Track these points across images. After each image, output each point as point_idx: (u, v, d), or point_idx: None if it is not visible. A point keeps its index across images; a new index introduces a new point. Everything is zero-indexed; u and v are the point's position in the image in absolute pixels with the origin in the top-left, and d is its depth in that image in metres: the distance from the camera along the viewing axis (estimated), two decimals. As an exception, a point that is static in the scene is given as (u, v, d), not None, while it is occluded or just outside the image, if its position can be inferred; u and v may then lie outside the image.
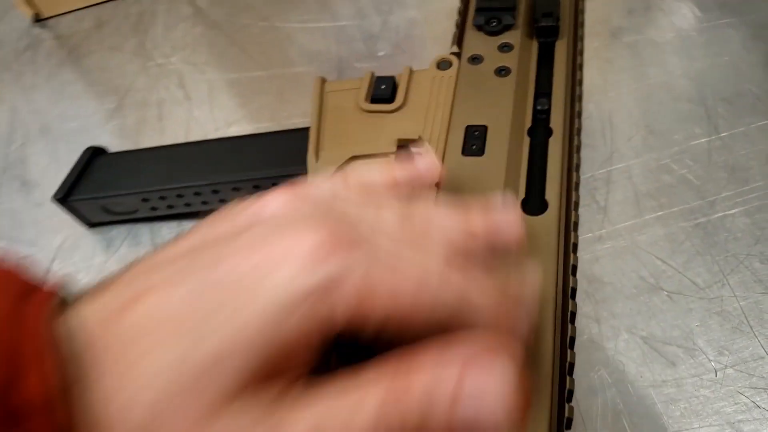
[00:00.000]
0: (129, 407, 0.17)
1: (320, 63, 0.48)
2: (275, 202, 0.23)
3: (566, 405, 0.26)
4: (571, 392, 0.27)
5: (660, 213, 0.38)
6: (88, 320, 0.18)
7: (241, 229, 0.20)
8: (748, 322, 0.34)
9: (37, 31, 0.55)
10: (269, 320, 0.18)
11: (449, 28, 0.48)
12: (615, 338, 0.34)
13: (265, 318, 0.18)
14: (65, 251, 0.41)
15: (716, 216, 0.38)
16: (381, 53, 0.48)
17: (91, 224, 0.42)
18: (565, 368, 0.28)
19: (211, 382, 0.17)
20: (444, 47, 0.41)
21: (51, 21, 0.56)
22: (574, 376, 0.27)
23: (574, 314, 0.29)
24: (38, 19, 0.56)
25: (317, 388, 0.18)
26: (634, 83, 0.44)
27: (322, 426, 0.17)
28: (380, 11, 0.51)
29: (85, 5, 0.55)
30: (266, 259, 0.19)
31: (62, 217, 0.43)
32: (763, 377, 0.32)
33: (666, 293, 0.35)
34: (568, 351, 0.28)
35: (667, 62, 0.45)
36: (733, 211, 0.38)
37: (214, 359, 0.17)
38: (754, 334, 0.33)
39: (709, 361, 0.33)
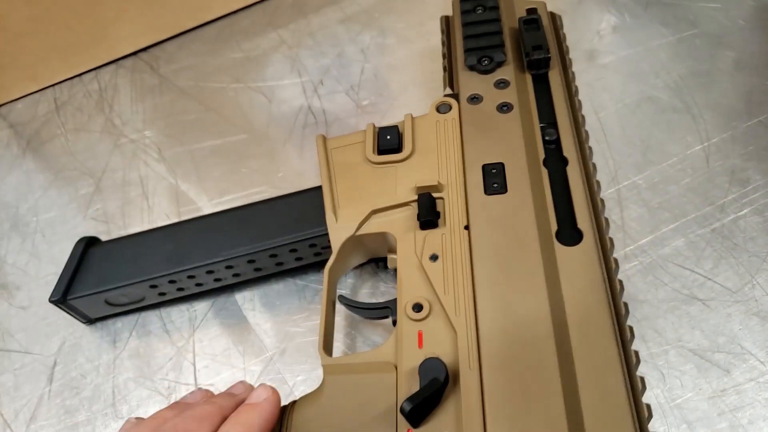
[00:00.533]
0: None
1: (305, 117, 0.47)
2: None
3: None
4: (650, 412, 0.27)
5: (676, 224, 0.39)
6: None
7: None
8: (786, 319, 0.34)
9: (-10, 122, 0.52)
10: None
11: (428, 71, 0.48)
12: (665, 354, 0.34)
13: None
14: (66, 354, 0.38)
15: (728, 219, 0.39)
16: (365, 102, 0.48)
17: (92, 320, 0.39)
18: (643, 420, 0.27)
19: None
20: (426, 89, 0.41)
21: (2, 109, 0.52)
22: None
23: (632, 330, 0.29)
24: (-11, 109, 0.52)
25: None
26: (619, 101, 0.45)
27: None
28: (357, 60, 0.50)
29: (39, 88, 0.52)
30: None
31: (55, 317, 0.40)
32: (816, 371, 0.33)
33: (701, 302, 0.36)
34: (641, 404, 0.28)
35: (646, 77, 0.46)
36: (743, 212, 0.39)
37: None
38: (796, 330, 0.34)
39: (761, 363, 0.33)
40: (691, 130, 0.43)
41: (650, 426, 0.31)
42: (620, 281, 0.31)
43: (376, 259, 0.39)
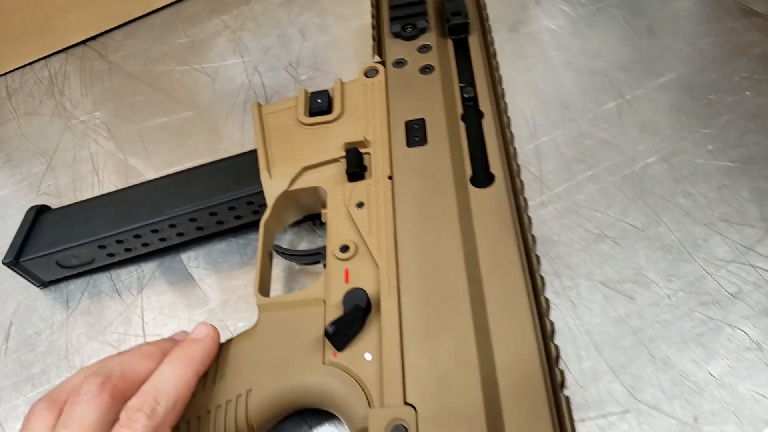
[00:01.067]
0: None
1: (247, 94, 0.50)
2: None
3: (555, 368, 0.29)
4: (558, 353, 0.29)
5: (590, 173, 0.42)
6: None
7: None
8: (686, 249, 0.38)
9: (-57, 110, 0.54)
10: None
11: (362, 46, 0.51)
12: (576, 287, 0.37)
13: None
14: (21, 315, 0.40)
15: (638, 166, 0.42)
16: (303, 77, 0.50)
17: (45, 284, 0.41)
18: (546, 335, 0.30)
19: None
20: (362, 63, 0.43)
21: (-44, 98, 0.54)
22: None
23: (542, 279, 0.32)
24: (-58, 98, 0.54)
25: None
26: (540, 67, 0.48)
27: None
28: (295, 40, 0.53)
29: (-8, 77, 0.54)
30: None
31: (10, 283, 0.42)
32: (709, 293, 0.36)
33: (611, 239, 0.39)
34: (546, 320, 0.30)
35: (566, 45, 0.49)
36: (650, 160, 0.42)
37: None
38: (693, 259, 0.37)
39: (662, 289, 0.36)
40: (606, 89, 0.46)
41: (562, 349, 0.34)
42: (529, 217, 0.34)
43: (312, 217, 0.42)
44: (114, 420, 0.29)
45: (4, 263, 0.38)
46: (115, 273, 0.41)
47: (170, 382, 0.30)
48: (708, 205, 0.39)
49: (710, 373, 0.33)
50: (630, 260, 0.38)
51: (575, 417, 0.32)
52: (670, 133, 0.43)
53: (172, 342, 0.33)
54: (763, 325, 0.34)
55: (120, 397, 0.30)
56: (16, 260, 0.38)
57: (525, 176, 0.42)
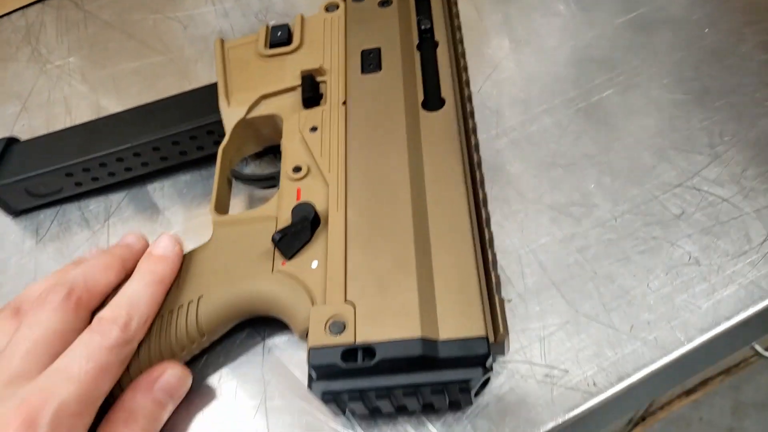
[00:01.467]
0: None
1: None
2: None
3: (492, 272, 0.30)
4: (494, 259, 0.30)
5: (545, 106, 0.43)
6: None
7: None
8: (635, 175, 0.39)
9: None
10: None
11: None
12: (525, 211, 0.38)
13: None
14: (-8, 243, 0.42)
15: (594, 99, 0.43)
16: (272, 22, 0.51)
17: (16, 212, 0.43)
18: (485, 242, 0.31)
19: None
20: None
21: (-65, 46, 0.56)
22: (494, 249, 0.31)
23: (485, 195, 0.33)
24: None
25: None
26: (502, 7, 0.49)
27: None
28: (266, -11, 0.54)
29: (-29, 26, 0.55)
30: None
31: (-18, 213, 0.43)
32: (654, 215, 0.37)
33: (561, 167, 0.40)
34: (486, 230, 0.31)
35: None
36: (606, 93, 0.43)
37: None
38: (641, 183, 0.38)
39: (607, 212, 0.37)
40: (566, 27, 0.47)
41: (507, 267, 0.36)
42: (477, 139, 0.35)
43: (273, 150, 0.43)
44: (77, 330, 0.30)
45: (-27, 189, 0.40)
46: (83, 203, 0.42)
47: (143, 300, 0.31)
48: (659, 134, 0.40)
49: (648, 287, 0.34)
50: (579, 186, 0.39)
51: (517, 328, 0.34)
52: (627, 69, 0.44)
53: (127, 249, 0.34)
54: (703, 242, 0.35)
55: (84, 307, 0.31)
56: (-15, 187, 0.40)
57: (481, 110, 0.43)
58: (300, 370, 0.34)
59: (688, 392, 1.07)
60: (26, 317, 0.30)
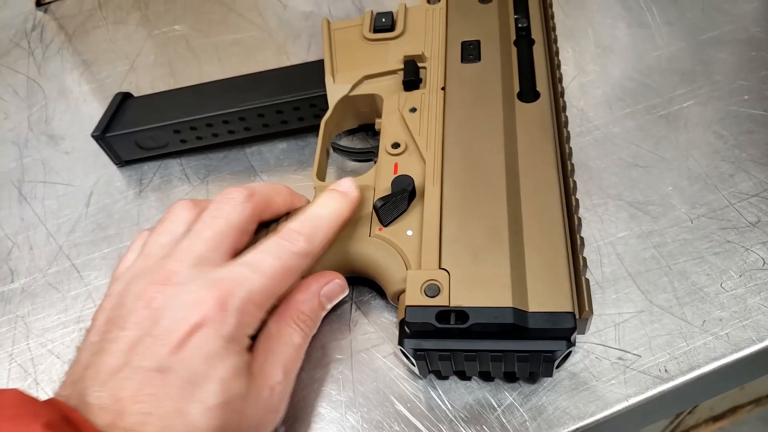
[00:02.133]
0: None
1: (314, 22, 0.54)
2: None
3: (579, 255, 0.32)
4: (582, 243, 0.32)
5: (628, 110, 0.45)
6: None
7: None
8: (712, 182, 0.40)
9: (41, 15, 0.59)
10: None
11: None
12: (605, 205, 0.40)
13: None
14: (101, 187, 0.45)
15: (674, 108, 0.44)
16: (367, 9, 0.54)
17: (123, 162, 0.46)
18: (573, 226, 0.33)
19: (232, 407, 0.28)
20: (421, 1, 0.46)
21: (53, 5, 0.59)
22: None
23: (575, 183, 0.35)
24: (40, 4, 0.59)
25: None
26: (590, 15, 0.51)
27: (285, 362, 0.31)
28: (363, -24, 0.57)
29: (85, -11, 0.59)
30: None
31: (93, 160, 0.46)
32: (729, 220, 0.38)
33: (642, 168, 0.42)
34: (575, 216, 0.33)
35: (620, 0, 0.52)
36: (687, 104, 0.45)
37: (222, 403, 0.27)
38: (718, 190, 0.40)
39: (684, 214, 0.39)
40: (653, 40, 0.49)
41: (587, 256, 0.38)
42: (568, 132, 0.37)
43: (366, 128, 0.45)
44: (249, 231, 0.33)
45: (92, 136, 0.43)
46: (185, 159, 0.46)
47: (324, 222, 0.33)
48: (737, 146, 0.42)
49: (722, 286, 0.36)
50: (657, 187, 0.40)
51: (594, 312, 0.36)
52: (708, 83, 0.46)
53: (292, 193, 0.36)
54: (777, 250, 0.37)
55: (257, 214, 0.33)
56: (102, 134, 0.43)
57: (569, 109, 0.45)
58: (382, 331, 0.36)
59: (716, 418, 1.07)
60: (209, 208, 0.32)
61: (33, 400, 0.25)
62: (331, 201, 0.34)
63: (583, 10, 0.52)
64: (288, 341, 0.32)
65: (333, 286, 0.34)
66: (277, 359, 0.31)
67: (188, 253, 0.30)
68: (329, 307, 0.34)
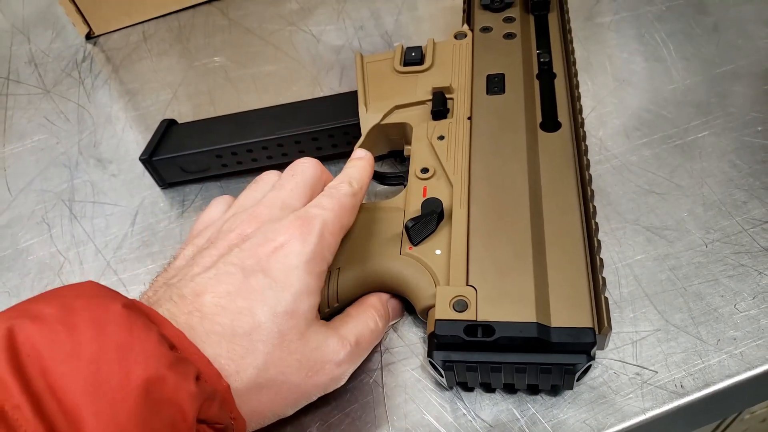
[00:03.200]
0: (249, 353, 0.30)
1: (345, 55, 0.57)
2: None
3: (599, 274, 0.34)
4: (601, 263, 0.34)
5: (645, 140, 0.47)
6: (183, 322, 0.30)
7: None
8: (726, 209, 0.42)
9: (90, 47, 0.63)
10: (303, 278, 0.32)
11: (450, 23, 0.58)
12: (623, 229, 0.42)
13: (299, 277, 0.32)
14: (146, 207, 0.48)
15: (690, 138, 0.47)
16: (395, 43, 0.57)
17: (167, 185, 0.49)
18: (593, 247, 0.35)
19: (295, 321, 0.31)
20: (447, 35, 0.50)
21: (101, 38, 0.64)
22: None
23: (594, 208, 0.37)
24: (90, 37, 0.63)
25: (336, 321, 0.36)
26: (610, 51, 0.54)
27: (360, 333, 0.35)
28: (392, 13, 0.60)
29: (132, 23, 0.63)
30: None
31: (138, 182, 0.49)
32: (743, 245, 0.40)
33: (658, 195, 0.44)
34: (594, 238, 0.36)
35: (636, 35, 0.55)
36: (702, 134, 0.47)
37: (289, 312, 0.31)
38: (732, 216, 0.42)
39: (699, 238, 0.41)
40: (667, 73, 0.51)
41: (605, 277, 0.40)
42: (588, 160, 0.40)
43: (396, 154, 0.48)
44: (321, 183, 0.38)
45: (140, 159, 0.46)
46: (224, 182, 0.48)
47: (356, 173, 0.38)
48: (751, 174, 0.44)
49: (736, 307, 0.38)
50: (673, 213, 0.42)
51: (613, 330, 0.37)
52: (722, 114, 0.48)
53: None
54: (790, 274, 0.39)
55: (323, 172, 0.39)
56: (149, 158, 0.46)
57: (588, 138, 0.47)
58: (411, 345, 0.38)
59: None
60: (287, 171, 0.38)
61: (109, 288, 0.29)
62: (355, 161, 0.40)
63: (602, 45, 0.55)
64: (363, 321, 0.36)
65: (396, 303, 0.39)
66: (352, 328, 0.35)
67: (275, 200, 0.36)
68: (392, 320, 0.39)
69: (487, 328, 0.33)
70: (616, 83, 0.51)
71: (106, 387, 0.24)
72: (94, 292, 0.28)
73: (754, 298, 0.38)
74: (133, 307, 0.27)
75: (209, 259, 0.32)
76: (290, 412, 0.33)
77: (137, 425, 0.24)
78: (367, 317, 0.36)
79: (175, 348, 0.27)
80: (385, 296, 0.38)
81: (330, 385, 0.34)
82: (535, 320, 0.32)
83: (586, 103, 0.50)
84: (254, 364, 0.30)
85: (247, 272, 0.31)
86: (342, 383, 0.34)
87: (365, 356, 0.36)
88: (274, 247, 0.32)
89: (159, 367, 0.25)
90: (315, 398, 0.34)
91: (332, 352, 0.33)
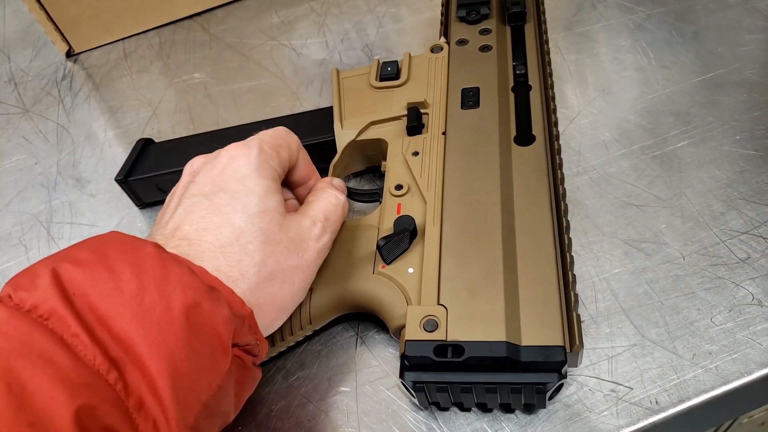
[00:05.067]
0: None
1: (326, 68, 0.57)
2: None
3: (571, 291, 0.34)
4: (574, 280, 0.34)
5: (624, 151, 0.47)
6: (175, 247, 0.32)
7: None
8: (704, 220, 0.42)
9: (71, 65, 0.63)
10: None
11: (430, 35, 0.57)
12: (600, 243, 0.42)
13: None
14: (123, 227, 0.48)
15: (669, 149, 0.46)
16: (376, 56, 0.57)
17: (144, 205, 0.49)
18: (566, 264, 0.35)
19: (270, 217, 0.34)
20: (427, 47, 0.49)
21: (82, 56, 0.64)
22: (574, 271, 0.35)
23: (568, 223, 0.37)
24: (70, 54, 0.64)
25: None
26: (589, 61, 0.54)
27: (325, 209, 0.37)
28: (374, 25, 0.60)
29: (112, 40, 0.63)
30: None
31: (116, 202, 0.49)
32: (720, 256, 0.40)
33: (636, 206, 0.43)
34: (567, 254, 0.35)
35: (615, 43, 0.54)
36: (681, 144, 0.46)
37: (261, 210, 0.34)
38: (710, 228, 0.41)
39: (676, 251, 0.41)
40: (647, 83, 0.51)
41: (582, 292, 0.39)
42: (562, 173, 0.40)
43: (373, 170, 0.48)
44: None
45: (115, 180, 0.46)
46: (202, 201, 0.48)
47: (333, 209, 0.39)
48: (729, 185, 0.43)
49: (712, 321, 0.37)
50: (651, 225, 0.42)
51: (588, 346, 0.37)
52: (701, 124, 0.47)
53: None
54: (767, 286, 0.38)
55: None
56: (125, 178, 0.46)
57: (565, 150, 0.47)
58: (386, 364, 0.38)
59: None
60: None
61: (132, 236, 0.31)
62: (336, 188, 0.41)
63: (582, 55, 0.54)
64: (324, 198, 0.38)
65: (340, 181, 0.42)
66: (317, 207, 0.37)
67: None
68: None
69: (457, 347, 0.32)
70: (596, 93, 0.51)
71: (151, 315, 0.27)
72: (120, 239, 0.30)
73: (730, 311, 0.37)
74: (160, 247, 0.30)
75: (173, 204, 0.35)
76: (303, 296, 0.36)
77: (184, 347, 0.27)
78: (326, 195, 0.38)
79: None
80: (330, 177, 0.42)
81: (319, 256, 0.36)
82: (504, 339, 0.32)
83: (564, 113, 0.49)
84: (253, 262, 0.32)
85: (209, 195, 0.34)
86: (327, 251, 0.37)
87: (338, 227, 0.38)
88: (221, 167, 0.35)
89: (195, 296, 0.28)
90: (315, 273, 0.36)
91: (308, 230, 0.36)
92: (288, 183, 0.42)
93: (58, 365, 0.24)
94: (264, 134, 0.38)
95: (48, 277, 0.27)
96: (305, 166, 0.41)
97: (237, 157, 0.36)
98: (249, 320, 0.31)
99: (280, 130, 0.40)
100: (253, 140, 0.37)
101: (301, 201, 0.42)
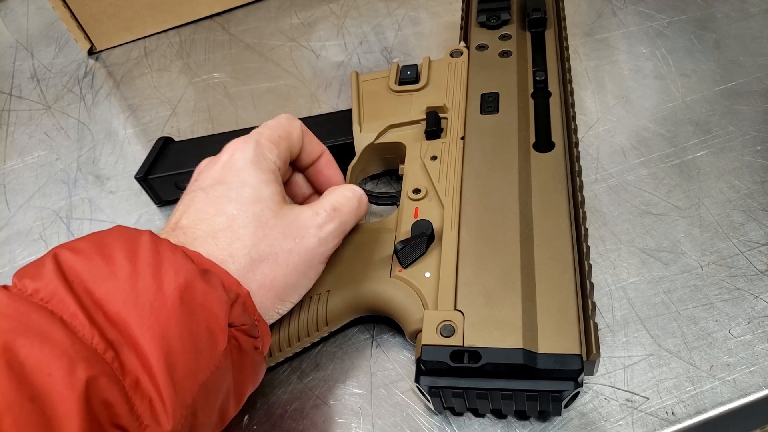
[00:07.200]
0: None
1: (345, 70, 0.57)
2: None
3: (588, 299, 0.33)
4: (591, 288, 0.34)
5: (642, 159, 0.46)
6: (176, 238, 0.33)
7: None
8: (723, 230, 0.42)
9: (92, 62, 0.63)
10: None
11: (450, 39, 0.58)
12: (617, 251, 0.42)
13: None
14: (142, 225, 0.48)
15: (688, 158, 0.46)
16: (395, 59, 0.57)
17: (162, 203, 0.49)
18: (584, 272, 0.35)
19: (264, 205, 0.34)
20: (446, 50, 0.49)
21: (103, 54, 0.64)
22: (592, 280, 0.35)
23: (586, 231, 0.37)
24: (92, 52, 0.64)
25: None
26: (609, 68, 0.53)
27: (336, 201, 0.37)
28: (392, 28, 0.60)
29: (133, 39, 0.64)
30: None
31: (135, 200, 0.50)
32: (739, 268, 0.40)
33: (654, 215, 0.43)
34: (585, 262, 0.35)
35: (635, 51, 0.54)
36: (700, 153, 0.46)
37: (255, 199, 0.34)
38: (729, 238, 0.41)
39: (694, 261, 0.40)
40: (667, 91, 0.51)
41: (599, 300, 0.39)
42: (581, 181, 0.39)
43: (390, 173, 0.48)
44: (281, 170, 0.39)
45: (135, 178, 0.46)
46: (220, 200, 0.49)
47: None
48: (749, 195, 0.43)
49: (730, 332, 0.37)
50: (669, 234, 0.42)
51: (604, 355, 0.37)
52: (722, 133, 0.47)
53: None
54: (786, 299, 0.38)
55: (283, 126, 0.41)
56: (145, 176, 0.46)
57: (584, 157, 0.47)
58: (401, 368, 0.38)
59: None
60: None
61: (135, 228, 0.31)
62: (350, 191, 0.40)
63: (602, 61, 0.54)
64: (338, 192, 0.38)
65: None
66: (326, 200, 0.37)
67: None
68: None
69: (474, 353, 0.32)
70: (615, 100, 0.51)
71: (144, 297, 0.27)
72: (120, 231, 0.31)
73: (749, 323, 0.37)
74: (154, 235, 0.31)
75: (179, 203, 0.36)
76: (304, 282, 0.36)
77: (178, 327, 0.27)
78: (342, 188, 0.38)
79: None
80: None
81: (322, 244, 0.36)
82: (521, 346, 0.32)
83: (583, 120, 0.49)
84: (243, 245, 0.33)
85: (207, 189, 0.35)
86: (335, 241, 0.37)
87: (351, 220, 0.38)
88: (222, 163, 0.36)
89: (188, 278, 0.29)
90: (321, 263, 0.36)
91: (308, 219, 0.36)
92: (298, 167, 0.42)
93: (57, 341, 0.25)
94: (264, 127, 0.39)
95: (51, 264, 0.28)
96: (311, 146, 0.42)
97: (235, 152, 0.37)
98: (245, 299, 0.32)
99: (281, 119, 0.40)
100: (252, 134, 0.38)
101: (314, 183, 0.43)
